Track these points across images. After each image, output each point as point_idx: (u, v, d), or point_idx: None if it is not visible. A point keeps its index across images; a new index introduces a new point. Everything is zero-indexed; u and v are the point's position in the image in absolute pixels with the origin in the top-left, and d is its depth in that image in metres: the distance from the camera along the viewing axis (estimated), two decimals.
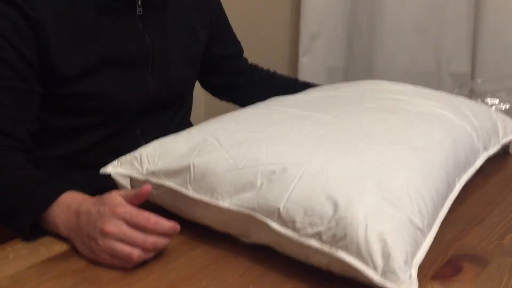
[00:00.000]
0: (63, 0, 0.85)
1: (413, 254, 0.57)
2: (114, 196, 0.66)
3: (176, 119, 1.05)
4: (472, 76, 1.60)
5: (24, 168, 0.79)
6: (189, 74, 1.07)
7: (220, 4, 1.14)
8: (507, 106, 1.33)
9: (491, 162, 0.91)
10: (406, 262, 0.55)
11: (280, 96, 0.93)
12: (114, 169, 0.74)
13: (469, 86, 1.39)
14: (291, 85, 1.20)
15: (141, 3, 0.92)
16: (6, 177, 0.76)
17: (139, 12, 0.92)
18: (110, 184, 0.74)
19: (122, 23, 0.91)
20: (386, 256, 0.54)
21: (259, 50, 1.40)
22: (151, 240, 0.63)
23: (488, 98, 1.34)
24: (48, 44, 0.84)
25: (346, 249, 0.56)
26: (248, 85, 1.21)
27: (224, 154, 0.68)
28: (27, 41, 0.83)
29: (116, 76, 0.91)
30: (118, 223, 0.63)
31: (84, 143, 0.93)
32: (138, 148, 0.74)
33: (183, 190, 0.68)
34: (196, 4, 1.05)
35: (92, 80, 0.89)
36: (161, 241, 0.64)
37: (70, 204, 0.70)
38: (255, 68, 1.25)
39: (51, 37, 0.84)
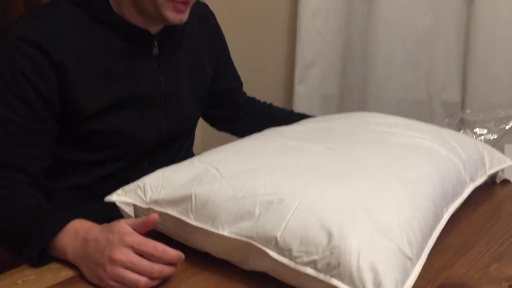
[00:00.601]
0: (84, 43, 0.89)
1: (403, 282, 0.60)
2: (122, 225, 0.69)
3: (182, 151, 1.09)
4: (463, 105, 1.65)
5: (33, 199, 0.82)
6: (197, 111, 1.12)
7: (225, 41, 1.19)
8: (495, 136, 1.38)
9: (479, 191, 0.95)
10: None
11: (277, 127, 0.97)
12: (119, 197, 0.77)
13: (458, 116, 1.43)
14: (287, 117, 1.24)
15: (157, 44, 0.97)
16: (16, 207, 0.79)
17: (155, 53, 0.97)
18: (120, 214, 0.77)
19: (139, 64, 0.96)
20: (377, 284, 0.57)
21: (257, 79, 1.45)
22: (158, 268, 0.66)
23: (477, 128, 1.39)
24: (71, 85, 0.88)
25: (340, 277, 0.59)
26: (247, 117, 1.26)
27: (224, 184, 0.71)
28: (49, 83, 0.86)
29: (132, 115, 0.95)
30: (126, 251, 0.66)
31: (97, 175, 0.97)
32: (142, 178, 0.78)
33: (185, 218, 0.71)
34: (206, 42, 1.10)
35: (110, 118, 0.93)
36: (167, 269, 0.67)
37: (77, 231, 0.73)
38: (253, 101, 1.29)
39: (74, 79, 0.88)
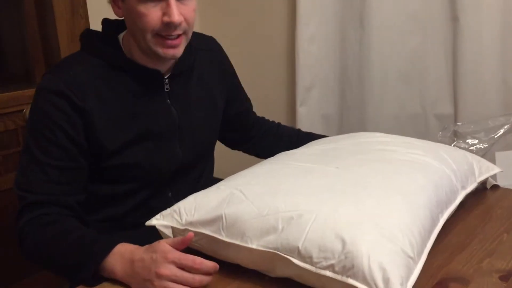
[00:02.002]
0: (103, 89, 1.00)
1: (407, 278, 0.72)
2: (163, 244, 0.81)
3: (203, 177, 1.18)
4: (456, 117, 1.74)
5: (79, 230, 0.93)
6: (211, 137, 1.20)
7: (233, 70, 1.27)
8: (486, 145, 1.48)
9: (472, 197, 1.06)
10: (402, 284, 0.69)
11: (288, 151, 1.09)
12: (158, 221, 0.88)
13: (451, 129, 1.54)
14: (296, 135, 1.34)
15: (168, 81, 1.07)
16: (66, 238, 0.91)
17: (167, 89, 1.07)
18: (148, 242, 0.86)
19: (153, 101, 1.05)
20: (386, 281, 0.69)
21: (261, 103, 1.53)
22: (198, 278, 0.78)
23: (469, 139, 1.50)
24: (94, 127, 0.98)
25: (355, 277, 0.70)
26: (258, 136, 1.34)
27: (249, 205, 0.83)
28: (76, 127, 0.97)
29: (150, 148, 1.05)
30: (170, 266, 0.78)
31: (125, 206, 1.07)
32: (177, 203, 0.90)
33: (217, 236, 0.83)
34: (216, 75, 1.18)
35: (130, 153, 1.02)
36: (206, 278, 0.78)
37: (123, 253, 0.84)
38: (263, 121, 1.38)
39: (96, 122, 0.98)
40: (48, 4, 1.61)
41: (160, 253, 0.80)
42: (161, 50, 0.98)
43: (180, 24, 0.96)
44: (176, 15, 0.94)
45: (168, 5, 0.94)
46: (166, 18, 0.95)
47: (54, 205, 0.96)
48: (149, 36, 0.97)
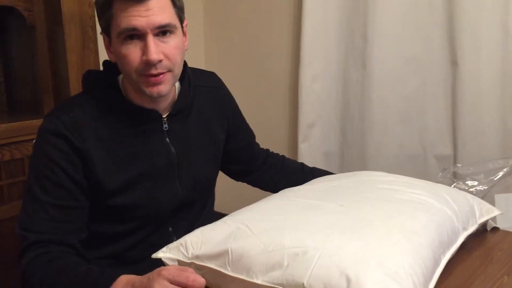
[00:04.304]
0: (103, 130, 1.02)
1: None
2: (162, 267, 0.83)
3: (204, 212, 1.19)
4: (455, 158, 1.77)
5: (82, 265, 0.95)
6: (212, 173, 1.21)
7: (235, 104, 1.27)
8: (486, 187, 1.50)
9: (472, 238, 1.07)
10: None
11: (293, 187, 1.11)
12: (164, 254, 0.90)
13: (451, 170, 1.56)
14: (300, 170, 1.35)
15: (167, 119, 1.08)
16: (71, 272, 0.92)
17: (166, 128, 1.08)
18: None
19: (152, 141, 1.06)
20: None
21: (264, 139, 1.55)
22: None
23: (469, 181, 1.52)
24: (94, 167, 1.00)
25: None
26: (263, 168, 1.34)
27: (255, 240, 0.84)
28: (76, 166, 0.99)
29: (150, 188, 1.06)
30: (164, 282, 0.80)
31: (126, 244, 1.08)
32: (183, 237, 0.91)
33: (223, 270, 0.84)
34: (216, 110, 1.19)
35: (130, 193, 1.04)
36: None
37: (125, 283, 0.86)
38: (267, 153, 1.38)
39: (96, 162, 1.00)
40: (60, 37, 1.65)
41: (156, 272, 0.82)
42: (146, 89, 0.99)
43: (159, 61, 0.97)
44: (153, 53, 0.95)
45: (146, 44, 0.95)
46: (144, 57, 0.96)
47: (56, 244, 0.98)
48: (134, 76, 0.99)
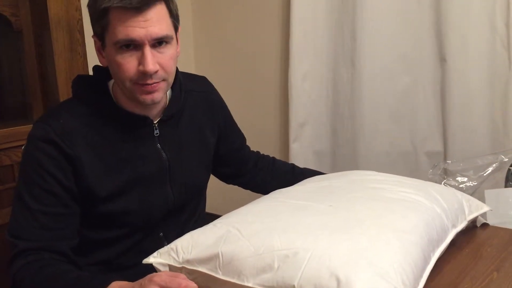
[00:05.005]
0: (93, 136, 1.01)
1: None
2: (154, 273, 0.83)
3: (195, 216, 1.19)
4: (445, 154, 1.78)
5: (73, 271, 0.95)
6: (203, 177, 1.21)
7: (226, 107, 1.28)
8: (475, 183, 1.52)
9: (462, 235, 1.08)
10: None
11: (283, 188, 1.11)
12: (155, 259, 0.89)
13: (441, 167, 1.57)
14: (290, 171, 1.35)
15: (158, 125, 1.08)
16: (62, 278, 0.92)
17: (157, 133, 1.08)
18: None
19: (143, 146, 1.06)
20: None
21: (255, 139, 1.55)
22: None
23: (459, 177, 1.53)
24: (84, 173, 1.00)
25: None
26: (253, 172, 1.35)
27: (246, 243, 0.84)
28: (66, 173, 0.99)
29: (141, 193, 1.06)
30: None
31: (118, 249, 1.07)
32: (174, 241, 0.91)
33: (214, 274, 0.84)
34: (207, 115, 1.20)
35: (121, 200, 1.03)
36: None
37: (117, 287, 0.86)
38: (258, 156, 1.38)
39: (86, 168, 1.00)
40: (48, 42, 1.64)
41: (147, 278, 0.82)
42: (140, 97, 0.99)
43: (155, 72, 0.97)
44: (150, 65, 0.95)
45: (143, 54, 0.96)
46: (141, 68, 0.96)
47: (47, 251, 0.97)
48: (128, 84, 0.99)
